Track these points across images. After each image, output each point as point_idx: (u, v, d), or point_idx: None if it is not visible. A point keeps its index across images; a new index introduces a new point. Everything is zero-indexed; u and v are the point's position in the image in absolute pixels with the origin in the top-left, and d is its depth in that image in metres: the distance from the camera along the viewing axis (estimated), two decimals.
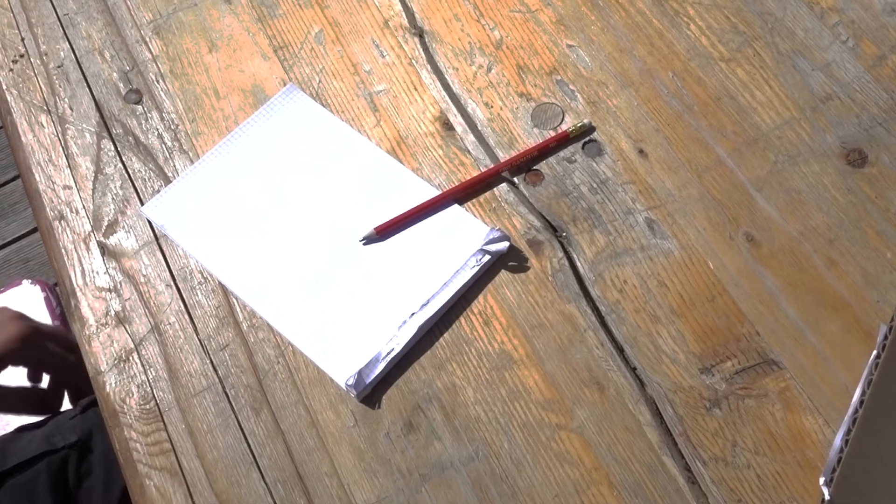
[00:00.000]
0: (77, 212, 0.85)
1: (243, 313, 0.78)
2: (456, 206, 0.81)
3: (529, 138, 0.84)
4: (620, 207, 0.80)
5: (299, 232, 0.81)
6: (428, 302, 0.76)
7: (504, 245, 0.78)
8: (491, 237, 0.78)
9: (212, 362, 0.77)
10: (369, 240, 0.80)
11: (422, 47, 0.91)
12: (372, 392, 0.74)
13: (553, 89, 0.87)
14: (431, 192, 0.81)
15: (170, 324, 0.79)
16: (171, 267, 0.81)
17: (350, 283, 0.79)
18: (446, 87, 0.88)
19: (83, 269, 0.82)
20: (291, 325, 0.77)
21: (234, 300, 0.79)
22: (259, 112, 0.87)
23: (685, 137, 0.83)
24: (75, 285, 0.82)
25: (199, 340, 0.78)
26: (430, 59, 0.90)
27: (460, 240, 0.79)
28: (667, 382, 0.72)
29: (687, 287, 0.76)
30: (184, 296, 0.80)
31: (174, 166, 0.86)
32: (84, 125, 0.89)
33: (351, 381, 0.73)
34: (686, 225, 0.79)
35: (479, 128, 0.85)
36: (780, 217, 0.78)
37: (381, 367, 0.74)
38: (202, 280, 0.80)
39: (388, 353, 0.74)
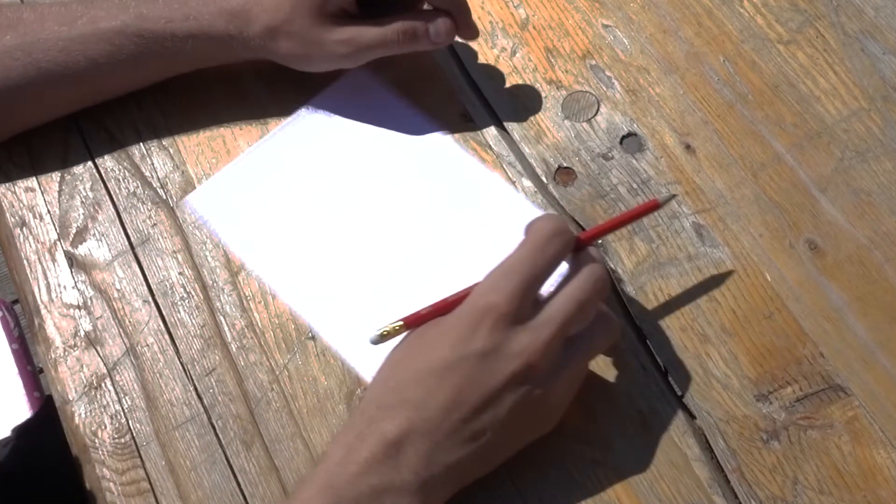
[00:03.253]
0: (41, 217, 0.87)
1: (232, 333, 0.81)
2: (537, 210, 0.83)
3: (560, 131, 0.86)
4: (664, 211, 0.82)
5: (358, 232, 0.84)
6: None
7: None
8: None
9: (196, 389, 0.79)
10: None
11: None
12: None
13: (587, 76, 0.89)
14: (518, 199, 0.83)
15: (147, 345, 0.81)
16: (150, 280, 0.84)
17: (409, 293, 0.81)
18: (464, 72, 0.91)
19: (48, 283, 0.85)
20: (339, 334, 0.80)
21: (222, 318, 0.81)
22: (324, 94, 0.90)
23: (738, 131, 0.85)
24: (39, 302, 0.84)
25: (182, 364, 0.80)
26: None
27: None
28: (718, 411, 0.74)
29: (741, 302, 0.78)
30: (164, 313, 0.82)
31: (152, 164, 0.88)
32: None
33: None
34: (739, 231, 0.81)
35: (502, 119, 0.88)
36: (848, 222, 0.80)
37: None
38: (185, 295, 0.82)
39: None
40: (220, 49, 0.85)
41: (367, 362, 0.78)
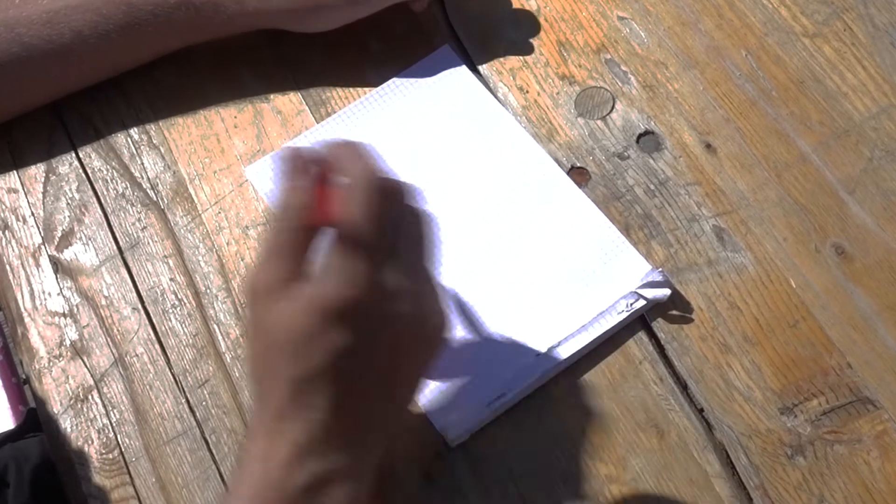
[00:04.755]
0: (24, 220, 0.88)
1: (226, 342, 0.82)
2: (618, 232, 0.83)
3: (573, 129, 0.87)
4: (683, 213, 0.83)
5: None
6: (559, 344, 0.78)
7: (665, 293, 0.79)
8: (650, 279, 0.79)
9: (188, 402, 0.80)
10: None
11: (443, 19, 0.94)
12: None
13: (601, 71, 0.90)
14: (590, 209, 0.84)
15: (137, 355, 0.82)
16: (139, 286, 0.85)
17: (473, 303, 0.81)
18: (472, 67, 0.92)
19: (32, 289, 0.86)
20: None
21: (216, 327, 0.82)
22: (403, 76, 0.92)
23: (761, 129, 0.86)
24: (23, 309, 0.85)
25: (173, 375, 0.81)
26: (453, 33, 0.93)
27: (614, 274, 0.81)
28: (740, 425, 0.75)
29: (764, 310, 0.79)
30: (154, 321, 0.83)
31: (142, 164, 0.89)
32: (31, 114, 0.92)
33: (447, 424, 0.76)
34: (763, 235, 0.82)
35: (513, 117, 0.88)
36: (877, 225, 0.81)
37: (487, 412, 0.76)
38: (176, 302, 0.83)
39: (499, 398, 0.76)
40: (213, 16, 0.86)
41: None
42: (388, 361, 0.66)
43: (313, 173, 0.63)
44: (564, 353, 0.78)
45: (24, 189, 0.89)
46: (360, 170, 0.64)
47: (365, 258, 0.62)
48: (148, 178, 0.88)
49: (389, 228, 0.64)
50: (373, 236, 0.63)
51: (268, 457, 0.64)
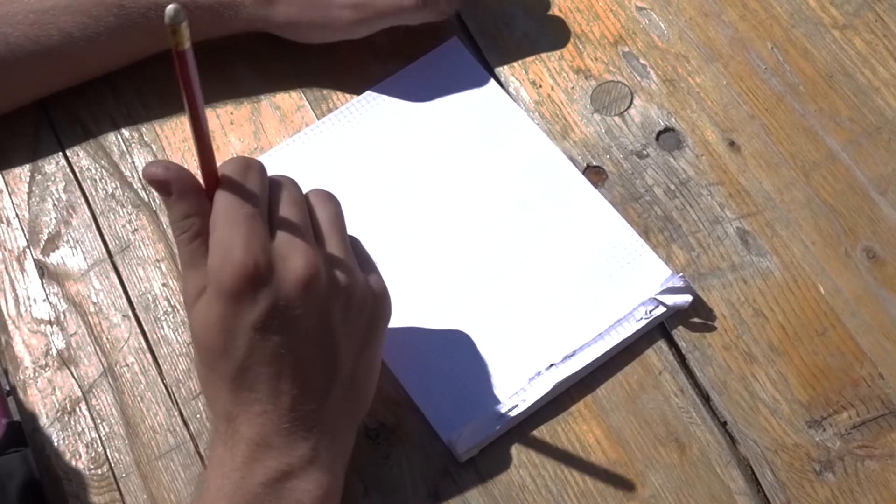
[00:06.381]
0: (8, 222, 0.89)
1: None
2: (637, 235, 0.83)
3: (588, 126, 0.88)
4: (705, 215, 0.84)
5: (432, 233, 0.85)
6: (574, 354, 0.78)
7: (686, 299, 0.79)
8: (670, 284, 0.79)
9: (181, 414, 0.80)
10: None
11: None
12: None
13: (619, 64, 0.90)
14: (608, 212, 0.84)
15: (127, 365, 0.83)
16: (130, 292, 0.85)
17: (482, 310, 0.82)
18: (482, 60, 0.92)
19: (16, 295, 0.86)
20: (396, 351, 0.80)
21: None
22: (408, 70, 0.92)
23: (788, 126, 0.86)
24: (6, 317, 0.85)
25: (165, 386, 0.82)
26: (462, 25, 0.94)
27: (632, 279, 0.81)
28: (765, 439, 0.75)
29: (791, 317, 0.79)
30: (145, 329, 0.84)
31: (133, 163, 0.90)
32: (16, 110, 0.92)
33: (455, 438, 0.76)
34: (790, 238, 0.82)
35: (525, 113, 0.89)
36: None
37: (497, 425, 0.76)
38: (169, 309, 0.84)
39: (510, 410, 0.77)
40: (209, 20, 0.87)
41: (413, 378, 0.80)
42: (318, 332, 0.67)
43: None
44: (579, 363, 0.78)
45: (7, 189, 0.90)
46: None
47: (247, 228, 0.66)
48: (139, 178, 0.89)
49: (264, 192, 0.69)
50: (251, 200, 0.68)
51: (224, 461, 0.67)
